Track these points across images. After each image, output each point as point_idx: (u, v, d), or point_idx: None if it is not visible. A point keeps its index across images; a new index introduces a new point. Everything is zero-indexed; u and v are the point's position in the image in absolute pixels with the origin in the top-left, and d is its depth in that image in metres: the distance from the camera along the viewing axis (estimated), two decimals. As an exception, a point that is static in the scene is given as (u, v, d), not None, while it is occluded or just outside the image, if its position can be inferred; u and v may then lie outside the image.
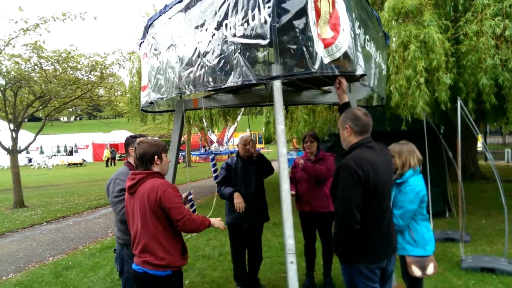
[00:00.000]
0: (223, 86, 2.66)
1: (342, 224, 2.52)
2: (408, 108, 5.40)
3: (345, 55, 2.64)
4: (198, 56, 2.90)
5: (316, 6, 2.41)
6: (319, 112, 7.86)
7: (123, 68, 13.58)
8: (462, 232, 5.34)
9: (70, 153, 39.84)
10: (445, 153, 7.25)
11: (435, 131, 6.85)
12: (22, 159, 35.20)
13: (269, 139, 39.72)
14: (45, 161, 34.03)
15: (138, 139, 2.87)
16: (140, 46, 4.39)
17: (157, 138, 3.10)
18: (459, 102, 5.02)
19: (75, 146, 40.74)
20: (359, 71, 2.79)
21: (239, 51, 2.47)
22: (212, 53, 2.72)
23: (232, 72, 2.55)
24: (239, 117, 15.68)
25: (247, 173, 4.42)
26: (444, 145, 7.12)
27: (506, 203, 4.99)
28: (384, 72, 4.42)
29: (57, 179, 22.42)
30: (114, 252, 3.43)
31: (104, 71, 13.47)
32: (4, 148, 12.48)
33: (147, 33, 3.93)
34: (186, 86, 3.10)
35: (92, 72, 13.21)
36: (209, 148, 34.47)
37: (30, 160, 36.63)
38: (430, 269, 3.34)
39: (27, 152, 36.47)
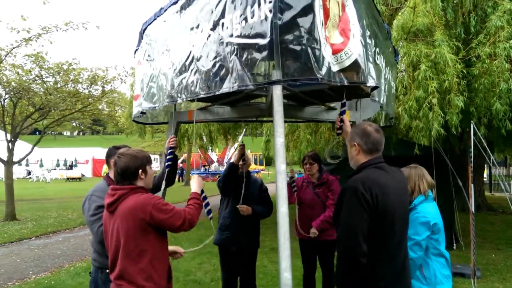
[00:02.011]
0: (217, 93, 2.36)
1: (345, 256, 2.16)
2: (420, 131, 5.06)
3: (355, 63, 2.35)
4: (192, 60, 2.61)
5: (324, 5, 2.13)
6: (321, 133, 7.52)
7: (125, 83, 13.43)
8: (474, 268, 4.94)
9: (70, 167, 39.54)
10: (453, 180, 6.91)
11: (441, 157, 6.52)
12: (21, 171, 34.98)
13: (269, 161, 39.32)
14: (44, 174, 33.66)
15: (119, 151, 2.56)
16: (135, 54, 4.13)
17: (141, 149, 2.79)
18: (472, 127, 4.72)
19: (75, 160, 40.51)
20: (371, 83, 2.50)
21: (235, 52, 2.18)
22: (207, 56, 2.43)
23: (228, 77, 2.25)
24: (240, 137, 15.35)
25: (240, 189, 4.08)
26: (452, 172, 6.78)
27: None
28: (393, 91, 4.12)
29: (54, 193, 22.04)
30: (90, 275, 3.08)
31: (105, 86, 13.33)
32: (1, 160, 12.21)
33: (142, 39, 3.68)
34: (179, 94, 2.80)
35: (92, 86, 13.07)
36: (209, 167, 34.13)
37: (29, 173, 36.28)
38: None
39: (27, 165, 36.18)
